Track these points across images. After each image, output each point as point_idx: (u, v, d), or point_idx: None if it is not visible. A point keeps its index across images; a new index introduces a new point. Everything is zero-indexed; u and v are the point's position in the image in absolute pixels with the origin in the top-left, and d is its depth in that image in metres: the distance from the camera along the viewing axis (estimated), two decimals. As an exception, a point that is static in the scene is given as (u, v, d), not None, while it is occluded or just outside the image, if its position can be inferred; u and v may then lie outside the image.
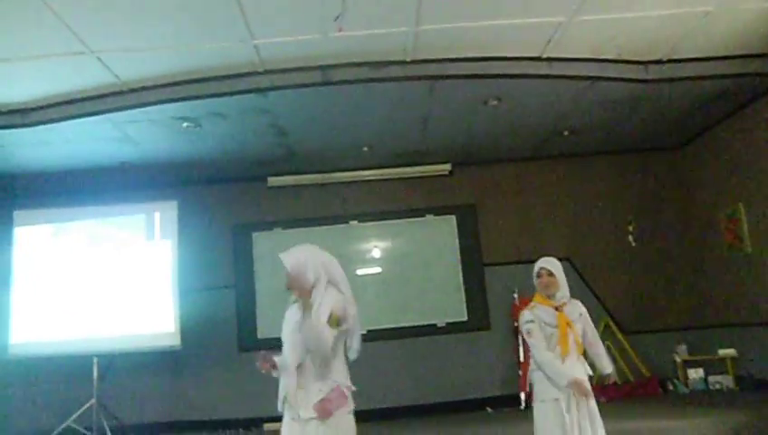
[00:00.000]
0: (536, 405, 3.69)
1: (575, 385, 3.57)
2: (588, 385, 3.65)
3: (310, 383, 3.05)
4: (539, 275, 3.77)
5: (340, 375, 3.14)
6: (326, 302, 3.08)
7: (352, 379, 3.25)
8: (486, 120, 6.85)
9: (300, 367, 3.07)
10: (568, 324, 3.62)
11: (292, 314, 3.24)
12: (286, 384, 3.09)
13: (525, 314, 3.81)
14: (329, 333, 3.02)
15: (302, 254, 3.18)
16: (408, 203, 8.21)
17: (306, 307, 3.02)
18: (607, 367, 3.83)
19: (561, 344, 3.60)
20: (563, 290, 3.75)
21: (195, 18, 4.57)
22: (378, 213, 8.19)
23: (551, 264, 3.79)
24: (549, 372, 3.63)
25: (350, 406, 3.13)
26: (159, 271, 7.20)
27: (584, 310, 3.80)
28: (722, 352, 7.34)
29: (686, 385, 7.51)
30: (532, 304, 3.83)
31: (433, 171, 8.22)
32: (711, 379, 7.41)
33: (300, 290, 3.12)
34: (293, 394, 3.05)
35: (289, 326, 3.22)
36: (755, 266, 6.90)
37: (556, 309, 3.68)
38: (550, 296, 3.73)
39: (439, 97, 6.11)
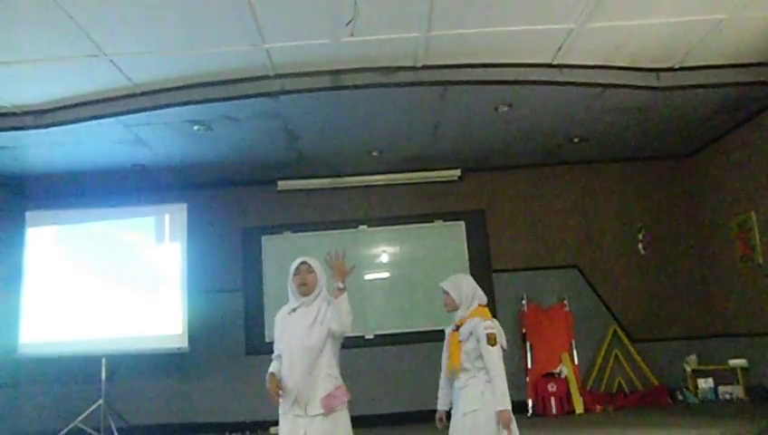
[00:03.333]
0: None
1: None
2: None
3: (317, 383, 3.28)
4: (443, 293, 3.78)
5: (339, 376, 3.40)
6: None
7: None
8: (497, 127, 6.84)
9: (310, 370, 3.28)
10: (455, 343, 3.58)
11: (297, 321, 3.37)
12: (293, 386, 3.28)
13: None
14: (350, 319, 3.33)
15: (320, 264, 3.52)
16: (418, 208, 8.21)
17: (338, 292, 3.28)
18: (494, 404, 3.39)
19: (446, 362, 3.66)
20: (464, 308, 3.64)
21: (207, 22, 4.60)
22: (387, 218, 8.19)
23: (448, 282, 3.72)
24: None
25: (346, 402, 3.39)
26: (168, 273, 7.23)
27: (479, 330, 3.48)
28: (732, 362, 7.26)
29: (696, 395, 7.44)
30: None
31: (442, 177, 8.22)
32: (721, 389, 7.33)
33: (309, 289, 3.40)
34: (303, 394, 3.26)
35: (296, 333, 3.35)
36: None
37: (455, 327, 3.65)
38: (451, 314, 3.71)
39: (450, 103, 6.11)
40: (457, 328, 3.63)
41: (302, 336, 3.32)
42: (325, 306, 3.38)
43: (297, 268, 3.43)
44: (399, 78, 5.51)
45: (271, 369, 3.39)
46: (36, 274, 7.23)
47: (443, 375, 3.78)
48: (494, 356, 3.47)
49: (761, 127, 6.80)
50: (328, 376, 3.31)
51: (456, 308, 3.68)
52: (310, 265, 3.42)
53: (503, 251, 8.11)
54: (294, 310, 3.41)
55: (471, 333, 3.54)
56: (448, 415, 3.76)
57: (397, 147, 7.35)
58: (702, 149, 7.95)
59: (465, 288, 3.69)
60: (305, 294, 3.40)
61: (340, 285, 3.25)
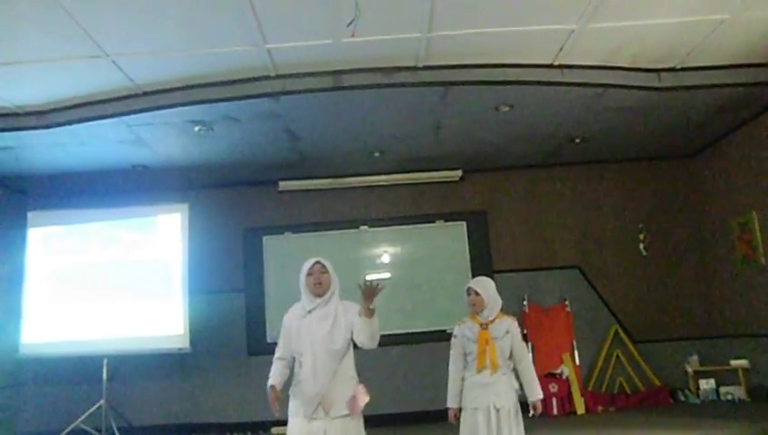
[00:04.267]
0: (462, 413, 3.91)
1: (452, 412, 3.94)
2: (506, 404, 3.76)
3: (340, 385, 3.32)
4: (468, 294, 3.97)
5: (356, 376, 3.45)
6: (352, 309, 3.38)
7: (361, 383, 3.48)
8: (498, 127, 6.84)
9: (334, 373, 3.32)
10: (487, 341, 3.83)
11: (316, 323, 3.35)
12: (319, 389, 3.27)
13: (454, 329, 4.06)
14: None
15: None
16: (419, 209, 8.21)
17: (370, 313, 3.27)
18: (530, 394, 3.87)
19: (478, 360, 3.83)
20: (490, 309, 3.91)
21: (209, 22, 4.61)
22: (388, 218, 8.19)
23: (478, 284, 3.97)
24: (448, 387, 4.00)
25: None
26: (170, 274, 7.23)
27: (514, 328, 3.90)
28: (734, 362, 7.26)
29: (698, 396, 7.44)
30: (462, 320, 4.05)
31: (444, 177, 8.21)
32: (723, 390, 7.34)
33: (324, 289, 3.40)
34: (327, 397, 3.27)
35: (318, 337, 3.33)
36: (769, 277, 6.84)
37: (482, 326, 3.88)
38: (477, 314, 3.94)
39: (451, 103, 6.11)
40: (486, 326, 3.87)
41: (325, 340, 3.31)
42: (342, 308, 3.38)
43: (311, 268, 3.41)
44: (401, 78, 5.51)
45: (271, 381, 3.37)
46: (38, 274, 7.23)
47: (457, 373, 3.95)
48: (527, 352, 4.00)
49: (762, 127, 6.79)
50: (351, 378, 3.39)
51: (483, 308, 3.91)
52: (323, 265, 3.42)
53: (504, 251, 8.11)
54: (310, 311, 3.38)
55: (507, 332, 3.87)
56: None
57: (398, 147, 7.35)
58: (703, 149, 7.94)
59: (490, 290, 3.97)
60: (320, 295, 3.38)
61: (371, 307, 3.24)
